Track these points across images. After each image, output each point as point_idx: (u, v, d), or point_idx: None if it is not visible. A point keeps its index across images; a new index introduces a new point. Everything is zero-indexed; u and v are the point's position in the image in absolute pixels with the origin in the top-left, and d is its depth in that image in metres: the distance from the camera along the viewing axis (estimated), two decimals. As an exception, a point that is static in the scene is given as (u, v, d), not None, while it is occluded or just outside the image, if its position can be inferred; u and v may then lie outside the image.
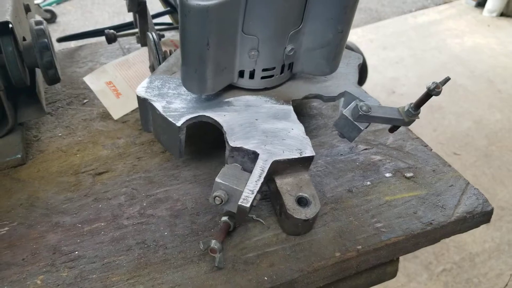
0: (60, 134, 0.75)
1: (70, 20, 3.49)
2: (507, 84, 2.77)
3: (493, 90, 2.76)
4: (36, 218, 0.61)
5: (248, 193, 0.51)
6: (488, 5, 3.45)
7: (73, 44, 1.03)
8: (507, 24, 3.38)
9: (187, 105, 0.58)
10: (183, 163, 0.69)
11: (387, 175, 0.66)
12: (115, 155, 0.71)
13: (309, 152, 0.56)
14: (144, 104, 0.59)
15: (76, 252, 0.57)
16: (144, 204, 0.63)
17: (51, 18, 3.12)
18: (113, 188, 0.65)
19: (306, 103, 0.80)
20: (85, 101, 0.83)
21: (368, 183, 0.65)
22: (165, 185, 0.66)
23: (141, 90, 0.59)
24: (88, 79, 0.80)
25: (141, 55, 0.84)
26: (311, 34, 0.56)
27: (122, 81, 0.81)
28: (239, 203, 0.50)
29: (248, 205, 0.50)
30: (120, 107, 0.79)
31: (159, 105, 0.58)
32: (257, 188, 0.52)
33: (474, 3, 3.59)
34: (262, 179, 0.53)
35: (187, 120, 0.57)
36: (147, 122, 0.62)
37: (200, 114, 0.58)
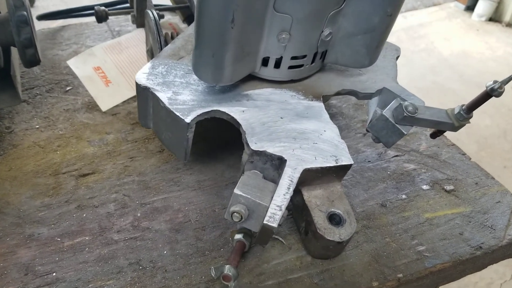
0: (37, 126, 0.63)
1: (48, 4, 3.31)
2: (496, 90, 2.75)
3: (482, 96, 2.73)
4: (5, 229, 0.50)
5: (275, 209, 0.41)
6: (478, 9, 3.43)
7: (55, 24, 0.91)
8: (496, 29, 3.36)
9: (197, 97, 0.48)
10: (184, 165, 0.59)
11: (425, 187, 0.57)
12: (103, 154, 0.60)
13: (346, 159, 0.46)
14: (144, 94, 0.48)
15: (54, 274, 0.46)
16: (138, 215, 0.52)
17: (29, 1, 2.94)
18: (101, 194, 0.54)
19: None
20: (68, 88, 0.71)
21: (404, 196, 0.56)
22: (163, 192, 0.55)
23: (142, 76, 0.48)
24: (73, 63, 0.69)
25: (135, 38, 0.73)
26: (353, 17, 0.47)
27: (112, 67, 0.69)
28: (265, 221, 0.40)
29: (275, 224, 0.40)
30: (109, 96, 0.67)
31: (163, 96, 0.47)
32: (285, 203, 0.42)
33: (463, 6, 3.57)
34: (291, 192, 0.43)
35: (197, 116, 0.46)
36: (146, 116, 0.51)
37: (214, 108, 0.47)
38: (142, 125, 0.53)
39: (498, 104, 2.59)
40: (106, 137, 0.62)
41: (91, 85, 0.67)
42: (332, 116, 0.68)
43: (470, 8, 3.56)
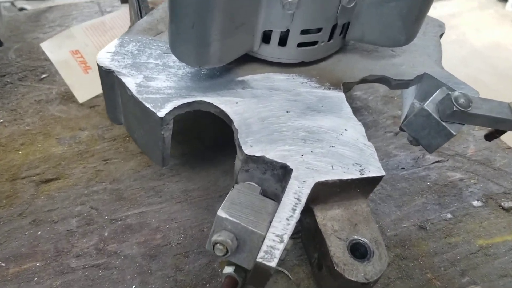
0: (1, 121, 0.53)
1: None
2: (530, 83, 2.55)
3: (516, 89, 2.54)
4: None
5: (274, 241, 0.29)
6: (512, -1, 3.21)
7: (42, 5, 0.81)
8: (531, 20, 3.15)
9: (177, 84, 0.36)
10: (169, 171, 0.47)
11: (476, 203, 0.44)
12: (72, 154, 0.49)
13: (375, 170, 0.33)
14: (109, 79, 0.37)
15: (-11, 313, 0.35)
16: (106, 234, 0.41)
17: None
18: (63, 206, 0.44)
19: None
20: (43, 76, 0.61)
21: (449, 215, 0.43)
22: (140, 205, 0.44)
23: (105, 56, 0.37)
24: (47, 46, 0.58)
25: (121, 17, 0.62)
26: (386, -26, 0.34)
27: (93, 50, 0.58)
28: (259, 258, 0.28)
29: (273, 263, 0.28)
30: (88, 86, 0.56)
31: (131, 81, 0.35)
32: (289, 232, 0.30)
33: (496, -4, 3.35)
34: (297, 216, 0.31)
35: (175, 108, 0.35)
36: (114, 108, 0.39)
37: (198, 99, 0.35)
38: (112, 120, 0.41)
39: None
40: (79, 134, 0.52)
41: (67, 72, 0.57)
42: (356, 111, 0.56)
43: (504, -3, 3.34)
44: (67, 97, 0.57)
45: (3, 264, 0.39)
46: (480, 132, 0.53)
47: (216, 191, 0.45)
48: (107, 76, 0.37)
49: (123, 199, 0.44)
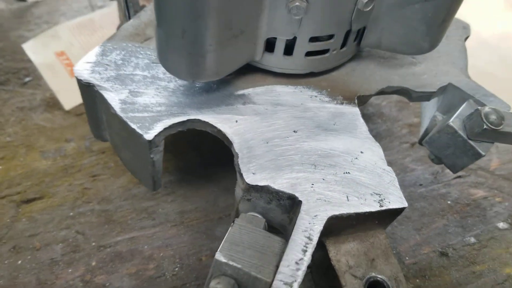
0: (-21, 130, 0.49)
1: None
2: (542, 75, 2.50)
3: (526, 81, 2.48)
4: None
5: (282, 291, 0.25)
6: (522, -15, 3.13)
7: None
8: (542, 8, 3.07)
9: (167, 100, 0.32)
10: (164, 188, 0.43)
11: (501, 225, 0.40)
12: (57, 170, 0.45)
13: (396, 200, 0.29)
14: (89, 93, 0.32)
15: None
16: (93, 264, 0.37)
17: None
18: (46, 229, 0.40)
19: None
20: (27, 79, 0.56)
21: (473, 240, 0.39)
22: (131, 229, 0.40)
23: (84, 67, 0.32)
24: (30, 47, 0.53)
25: (111, 15, 0.57)
26: (410, -28, 0.29)
27: (80, 52, 0.54)
28: (264, 314, 0.24)
29: (281, 318, 0.24)
30: (74, 91, 0.51)
31: (114, 97, 0.31)
32: (299, 279, 0.26)
33: (505, -17, 3.27)
34: (308, 258, 0.26)
35: (165, 129, 0.30)
36: (98, 125, 0.35)
37: (192, 117, 0.31)
38: (96, 137, 0.37)
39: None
40: (65, 146, 0.47)
41: (52, 75, 0.52)
42: (368, 118, 0.51)
43: (513, -17, 3.26)
44: (52, 103, 0.53)
45: (-23, 300, 0.35)
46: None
47: (215, 212, 0.41)
48: (88, 91, 0.32)
49: (113, 222, 0.40)
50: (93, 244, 0.39)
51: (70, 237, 0.39)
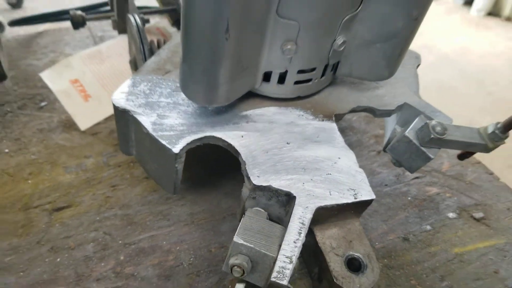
0: (7, 150, 0.56)
1: (37, 6, 3.20)
2: (497, 86, 2.68)
3: (483, 92, 2.66)
4: (-38, 280, 0.42)
5: (285, 263, 0.33)
6: (476, 4, 3.36)
7: (32, 30, 0.82)
8: (495, 24, 3.30)
9: (187, 121, 0.40)
10: (175, 195, 0.51)
11: (451, 215, 0.50)
12: (81, 182, 0.52)
13: (366, 194, 0.38)
14: (124, 117, 0.40)
15: (19, 338, 0.38)
16: (121, 258, 0.44)
17: (17, 3, 2.83)
18: (77, 232, 0.47)
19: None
20: (42, 104, 0.63)
21: (428, 227, 0.48)
22: (150, 228, 0.47)
23: (120, 96, 0.40)
24: (47, 76, 0.61)
25: (118, 46, 0.65)
26: (371, 21, 0.39)
27: (92, 79, 0.61)
28: (273, 278, 0.33)
29: (285, 281, 0.33)
30: (89, 113, 0.59)
31: (147, 120, 0.39)
32: (297, 253, 0.34)
33: (461, 1, 3.50)
34: (302, 238, 0.35)
35: (188, 144, 0.38)
36: (127, 142, 0.43)
37: (207, 134, 0.39)
38: (124, 152, 0.45)
39: (499, 101, 2.53)
40: (85, 161, 0.55)
41: (68, 100, 0.60)
42: (341, 131, 0.61)
43: (468, 2, 3.49)
44: (69, 125, 0.60)
45: (27, 291, 0.42)
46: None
47: (219, 212, 0.49)
48: (122, 115, 0.40)
49: (134, 223, 0.48)
50: (120, 242, 0.46)
51: (99, 237, 0.46)
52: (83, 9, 0.69)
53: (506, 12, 3.33)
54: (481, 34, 3.23)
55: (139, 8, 0.73)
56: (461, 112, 2.51)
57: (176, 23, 0.67)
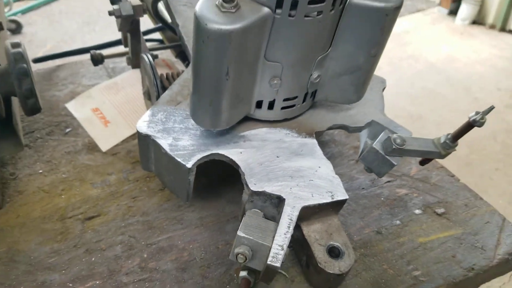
0: (40, 171, 0.65)
1: (36, 31, 3.31)
2: (483, 92, 2.80)
3: (470, 99, 2.78)
4: (18, 277, 0.51)
5: (278, 249, 0.43)
6: (460, 13, 3.50)
7: (50, 64, 0.93)
8: (479, 32, 3.43)
9: (197, 142, 0.50)
10: (185, 203, 0.61)
11: (417, 212, 0.60)
12: (106, 195, 0.62)
13: (341, 195, 0.48)
14: (146, 141, 0.50)
15: (68, 320, 0.47)
16: (145, 256, 0.54)
17: (16, 28, 2.94)
18: (107, 236, 0.56)
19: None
20: (67, 130, 0.73)
21: (398, 222, 0.58)
22: (167, 231, 0.57)
23: (143, 124, 0.50)
24: (72, 106, 0.71)
25: (130, 78, 0.75)
26: (339, 59, 0.49)
27: (110, 107, 0.72)
28: (269, 262, 0.42)
29: (278, 264, 0.42)
30: (109, 137, 0.69)
31: (164, 142, 0.49)
32: (287, 242, 0.44)
33: (446, 11, 3.64)
34: (291, 231, 0.45)
35: (198, 160, 0.49)
36: (148, 160, 0.53)
37: (213, 152, 0.50)
38: (144, 169, 0.55)
39: (485, 106, 2.64)
40: (108, 178, 0.64)
41: (91, 126, 0.70)
42: (325, 144, 0.71)
43: (453, 12, 3.63)
44: (92, 147, 0.70)
45: (71, 285, 0.51)
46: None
47: (224, 216, 0.59)
48: (145, 139, 0.51)
49: (153, 227, 0.58)
50: (143, 243, 0.56)
51: (125, 240, 0.56)
52: (100, 47, 0.80)
53: (489, 20, 3.47)
54: (466, 42, 3.36)
55: (148, 41, 0.84)
56: (449, 117, 2.63)
57: (179, 55, 0.77)
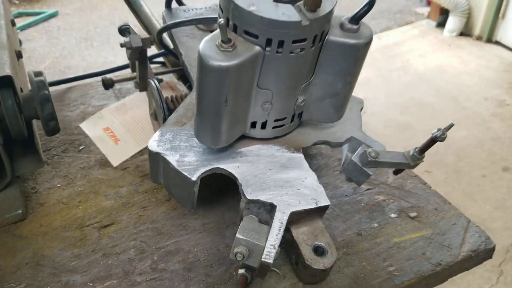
0: (59, 185, 0.73)
1: (35, 47, 3.40)
2: (471, 102, 2.91)
3: (458, 108, 2.88)
4: (44, 278, 0.59)
5: (270, 248, 0.51)
6: (448, 25, 3.62)
7: (61, 86, 1.01)
8: (467, 43, 3.55)
9: (200, 158, 0.58)
10: (189, 211, 0.69)
11: (393, 215, 0.68)
12: (119, 206, 0.70)
13: (324, 201, 0.57)
14: (156, 157, 0.59)
15: (91, 314, 0.55)
16: (155, 258, 0.62)
17: (17, 45, 3.03)
18: (121, 242, 0.64)
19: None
20: (81, 147, 0.81)
21: (376, 224, 0.67)
22: (174, 236, 0.65)
23: (153, 144, 0.58)
24: (85, 126, 0.79)
25: (136, 99, 0.84)
26: (321, 85, 0.58)
27: (120, 127, 0.80)
28: (263, 259, 0.50)
29: (271, 260, 0.50)
30: (119, 153, 0.77)
31: (172, 159, 0.57)
32: (278, 242, 0.52)
33: (434, 23, 3.76)
34: (281, 232, 0.53)
35: (201, 174, 0.57)
36: (157, 174, 0.61)
37: (215, 166, 0.58)
38: (153, 181, 0.63)
39: (472, 115, 2.75)
40: (120, 190, 0.72)
41: (102, 144, 0.78)
42: (313, 157, 0.79)
43: (441, 24, 3.75)
44: (103, 162, 0.78)
45: (91, 284, 0.58)
46: (397, 165, 0.77)
47: (224, 223, 0.67)
48: (155, 156, 0.59)
49: (162, 233, 0.65)
50: (153, 247, 0.63)
51: (138, 245, 0.64)
52: (109, 71, 0.88)
53: (476, 31, 3.58)
54: (454, 54, 3.48)
55: (152, 62, 0.92)
56: (438, 126, 2.70)
57: (180, 78, 0.86)
